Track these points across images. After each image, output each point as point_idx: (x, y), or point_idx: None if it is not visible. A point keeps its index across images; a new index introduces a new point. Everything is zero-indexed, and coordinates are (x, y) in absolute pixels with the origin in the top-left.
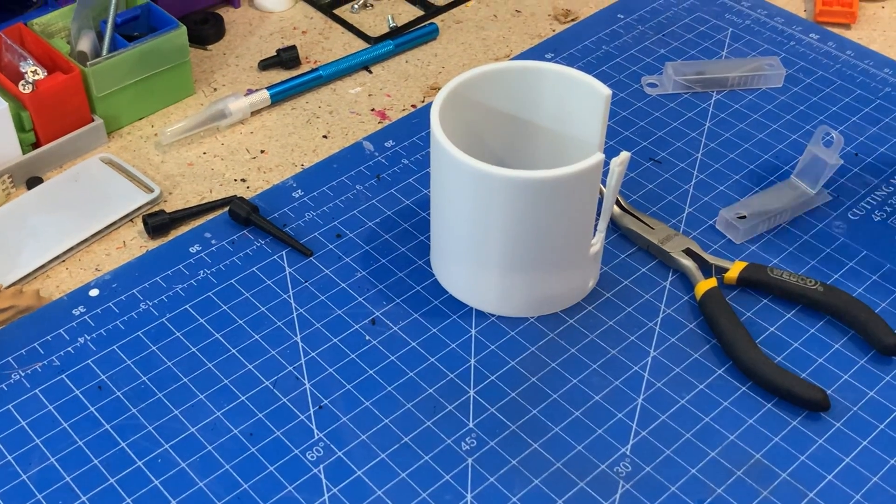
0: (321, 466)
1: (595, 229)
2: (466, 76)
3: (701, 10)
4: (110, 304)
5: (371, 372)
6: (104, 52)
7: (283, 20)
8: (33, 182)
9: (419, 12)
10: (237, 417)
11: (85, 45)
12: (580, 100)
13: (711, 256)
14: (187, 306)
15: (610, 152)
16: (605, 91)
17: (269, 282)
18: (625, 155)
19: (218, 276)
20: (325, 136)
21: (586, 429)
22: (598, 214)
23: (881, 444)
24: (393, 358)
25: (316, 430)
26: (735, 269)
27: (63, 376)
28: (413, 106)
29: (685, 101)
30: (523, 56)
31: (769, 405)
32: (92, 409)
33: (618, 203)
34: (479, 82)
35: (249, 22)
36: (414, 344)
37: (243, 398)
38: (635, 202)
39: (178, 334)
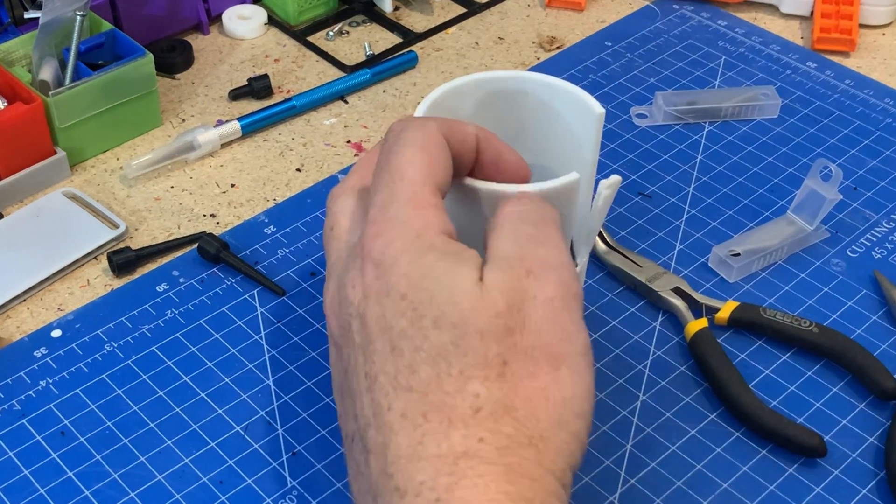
0: None
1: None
2: (450, 86)
3: (693, 38)
4: (73, 345)
5: None
6: (67, 82)
7: (254, 48)
8: None
9: (397, 40)
10: (206, 464)
11: (47, 73)
12: (571, 115)
13: (701, 296)
14: (154, 348)
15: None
16: (597, 109)
17: (239, 322)
18: (615, 179)
19: (186, 317)
20: (298, 170)
21: (573, 476)
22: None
23: (880, 493)
24: None
25: (289, 478)
26: (726, 310)
27: (24, 421)
28: None
29: (676, 133)
30: None
31: (764, 451)
32: (54, 455)
33: (603, 240)
34: (464, 91)
35: (219, 50)
36: None
37: (213, 444)
38: (623, 239)
39: (144, 377)
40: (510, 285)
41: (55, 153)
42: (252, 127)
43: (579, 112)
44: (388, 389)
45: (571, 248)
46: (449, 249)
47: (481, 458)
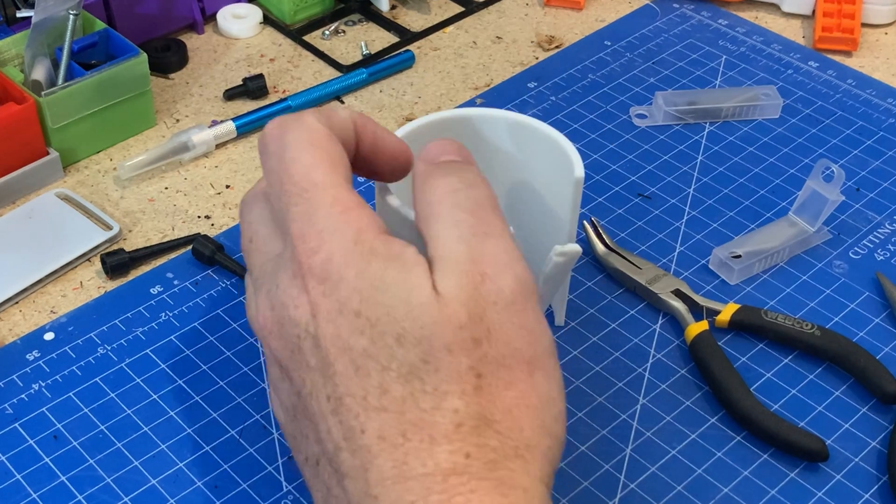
0: None
1: None
2: (415, 125)
3: (693, 37)
4: (66, 348)
5: None
6: (60, 81)
7: (249, 47)
8: None
9: (394, 39)
10: (201, 469)
11: (39, 73)
12: (546, 161)
13: (702, 298)
14: (148, 351)
15: (597, 187)
16: (578, 172)
17: (234, 325)
18: (572, 249)
19: (180, 319)
20: None
21: (572, 481)
22: None
23: (883, 497)
24: None
25: (284, 483)
26: (727, 312)
27: (16, 425)
28: None
29: (676, 133)
30: (505, 85)
31: (765, 456)
32: (47, 459)
33: (603, 241)
34: (431, 131)
35: (214, 49)
36: None
37: (207, 448)
38: (622, 240)
39: (138, 380)
40: (467, 294)
41: (48, 154)
42: (247, 127)
43: (559, 164)
44: (358, 411)
45: None
46: (391, 252)
47: (471, 473)
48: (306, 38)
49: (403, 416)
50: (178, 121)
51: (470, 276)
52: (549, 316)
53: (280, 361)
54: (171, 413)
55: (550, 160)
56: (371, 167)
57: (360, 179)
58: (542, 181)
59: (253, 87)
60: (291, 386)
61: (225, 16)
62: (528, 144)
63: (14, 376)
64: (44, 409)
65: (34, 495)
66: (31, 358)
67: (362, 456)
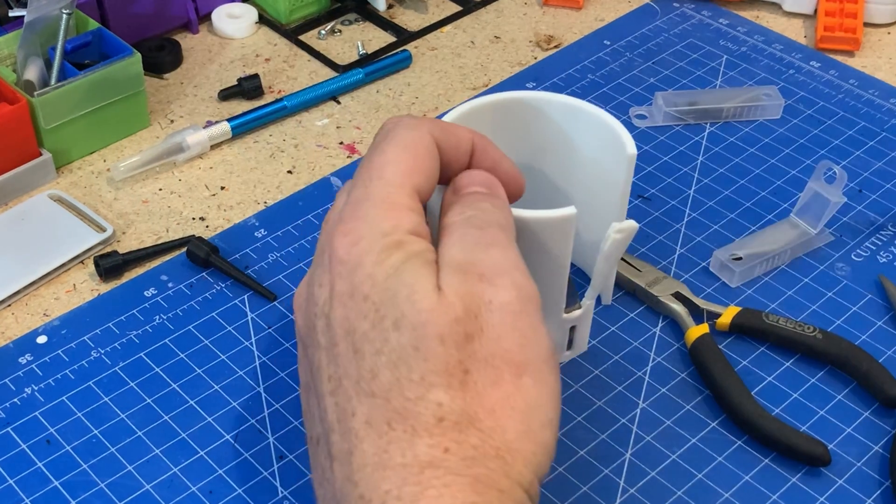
0: None
1: (570, 295)
2: (467, 108)
3: (693, 36)
4: (59, 351)
5: None
6: (53, 81)
7: (244, 47)
8: None
9: (391, 38)
10: (195, 474)
11: (32, 73)
12: (598, 144)
13: (702, 301)
14: (142, 354)
15: None
16: (629, 149)
17: (229, 328)
18: (630, 224)
19: (175, 322)
20: (289, 172)
21: (570, 486)
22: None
23: (886, 502)
24: None
25: (280, 488)
26: (728, 315)
27: (9, 429)
28: None
29: (676, 134)
30: (503, 85)
31: (766, 460)
32: (40, 464)
33: None
34: (489, 111)
35: (209, 49)
36: None
37: (202, 453)
38: None
39: (131, 384)
40: (465, 290)
41: (40, 155)
42: (242, 128)
43: (609, 144)
44: (352, 394)
45: (571, 289)
46: (414, 249)
47: (447, 468)
48: (302, 37)
49: (389, 404)
50: (172, 121)
51: (468, 275)
52: (596, 299)
53: (301, 337)
54: (166, 417)
55: (602, 140)
56: None
57: None
58: (594, 160)
59: (248, 87)
60: (307, 362)
61: (220, 15)
62: (581, 125)
63: (6, 380)
64: (36, 413)
65: (27, 500)
66: (24, 361)
67: (350, 440)
